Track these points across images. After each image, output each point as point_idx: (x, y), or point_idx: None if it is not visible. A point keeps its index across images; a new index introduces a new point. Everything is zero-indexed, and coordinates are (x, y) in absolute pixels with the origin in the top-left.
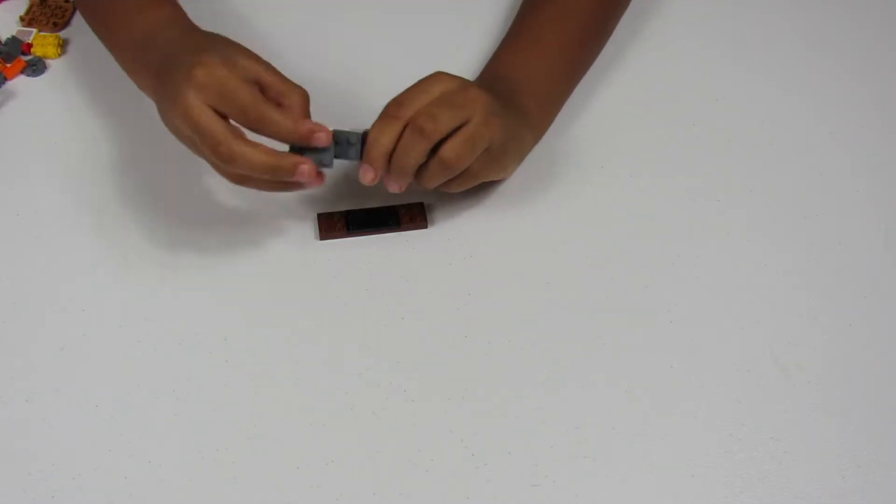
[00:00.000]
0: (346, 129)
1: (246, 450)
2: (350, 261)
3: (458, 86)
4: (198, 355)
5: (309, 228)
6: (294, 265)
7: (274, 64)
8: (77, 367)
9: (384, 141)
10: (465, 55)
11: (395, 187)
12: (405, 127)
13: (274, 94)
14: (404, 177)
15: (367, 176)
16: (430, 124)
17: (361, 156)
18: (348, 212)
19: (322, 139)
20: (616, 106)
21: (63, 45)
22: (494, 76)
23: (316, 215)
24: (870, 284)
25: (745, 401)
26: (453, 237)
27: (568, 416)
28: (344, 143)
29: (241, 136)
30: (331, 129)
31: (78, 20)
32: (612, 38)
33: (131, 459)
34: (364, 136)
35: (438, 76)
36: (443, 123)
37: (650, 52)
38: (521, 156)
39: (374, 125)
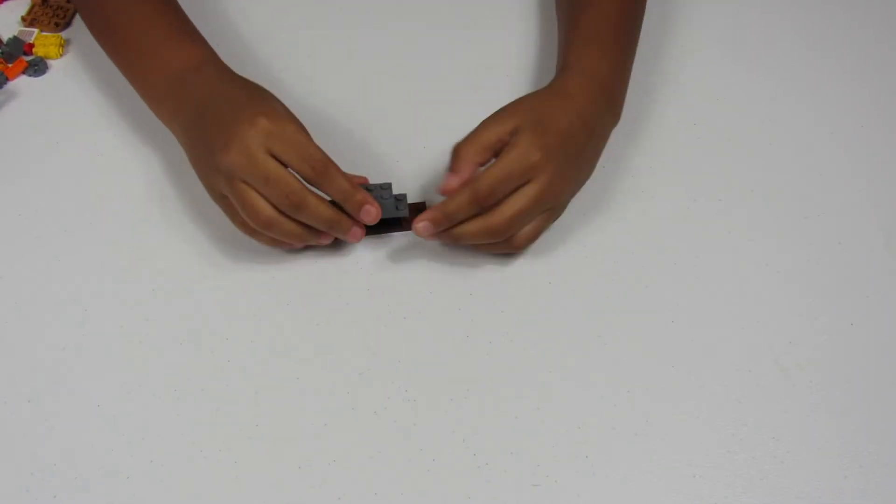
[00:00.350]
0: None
1: (247, 450)
2: (351, 261)
3: (547, 183)
4: (199, 355)
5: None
6: (295, 265)
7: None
8: (78, 367)
9: (460, 219)
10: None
11: (429, 230)
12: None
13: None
14: (446, 224)
15: (426, 232)
16: (511, 236)
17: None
18: None
19: (371, 214)
20: None
21: (64, 46)
22: (579, 68)
23: None
24: (870, 284)
25: (746, 401)
26: None
27: (569, 416)
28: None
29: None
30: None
31: (79, 21)
32: None
33: (133, 459)
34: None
35: (532, 159)
36: (502, 193)
37: (650, 53)
38: (594, 166)
39: (459, 201)
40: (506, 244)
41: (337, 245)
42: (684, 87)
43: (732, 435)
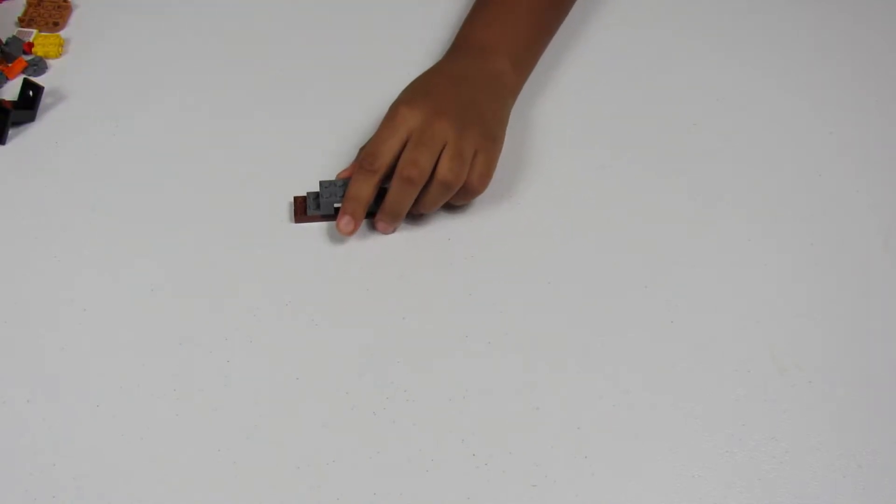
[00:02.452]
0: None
1: (246, 450)
2: (350, 261)
3: (421, 122)
4: (198, 355)
5: (316, 232)
6: (294, 265)
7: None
8: (78, 367)
9: (364, 195)
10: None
11: (389, 229)
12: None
13: None
14: (397, 220)
15: (349, 228)
16: (415, 171)
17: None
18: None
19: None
20: (616, 106)
21: (64, 45)
22: (468, 42)
23: (292, 198)
24: (869, 284)
25: (745, 401)
26: (453, 237)
27: (568, 416)
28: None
29: None
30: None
31: (77, 19)
32: (611, 39)
33: (132, 460)
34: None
35: (399, 113)
36: (425, 166)
37: (650, 53)
38: (503, 126)
39: (353, 179)
40: (467, 193)
41: (335, 245)
42: (684, 87)
43: (732, 435)
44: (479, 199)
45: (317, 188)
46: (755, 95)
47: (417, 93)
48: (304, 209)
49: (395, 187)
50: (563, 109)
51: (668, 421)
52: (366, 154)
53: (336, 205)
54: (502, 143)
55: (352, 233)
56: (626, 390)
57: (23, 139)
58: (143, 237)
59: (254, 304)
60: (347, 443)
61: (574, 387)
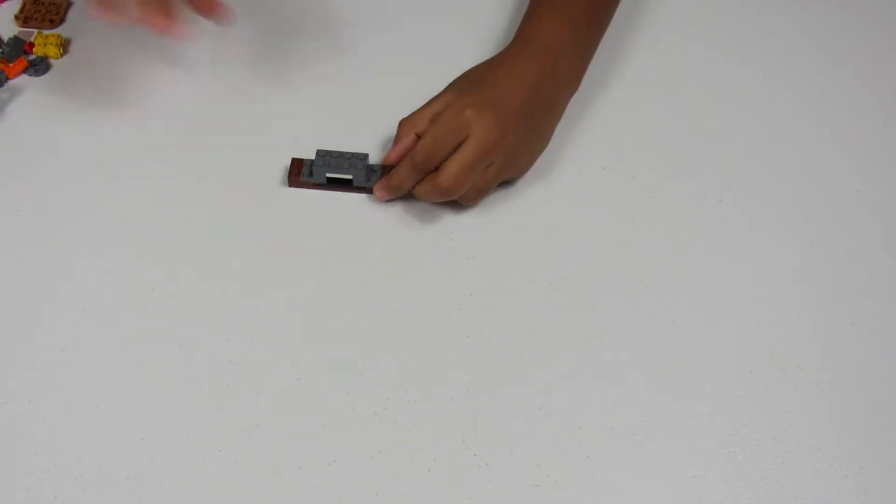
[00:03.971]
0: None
1: (247, 450)
2: (350, 261)
3: (484, 135)
4: (199, 355)
5: (316, 232)
6: (295, 267)
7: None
8: (78, 367)
9: (405, 187)
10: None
11: (384, 197)
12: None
13: None
14: (396, 193)
15: (385, 198)
16: (456, 190)
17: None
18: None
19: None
20: (617, 106)
21: (65, 45)
22: (534, 39)
23: (290, 159)
24: (870, 284)
25: (746, 401)
26: (454, 237)
27: (569, 416)
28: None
29: None
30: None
31: (75, 17)
32: (611, 39)
33: (133, 460)
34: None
35: (465, 117)
36: (464, 184)
37: (651, 53)
38: (547, 142)
39: (401, 168)
40: (461, 198)
41: (336, 245)
42: (683, 87)
43: (732, 435)
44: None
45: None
46: (755, 95)
47: (486, 96)
48: (299, 172)
49: (427, 190)
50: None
51: (669, 421)
52: (424, 155)
53: (328, 174)
54: (540, 153)
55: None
56: (627, 390)
57: (23, 138)
58: (145, 237)
59: (254, 305)
60: (349, 443)
61: (575, 387)
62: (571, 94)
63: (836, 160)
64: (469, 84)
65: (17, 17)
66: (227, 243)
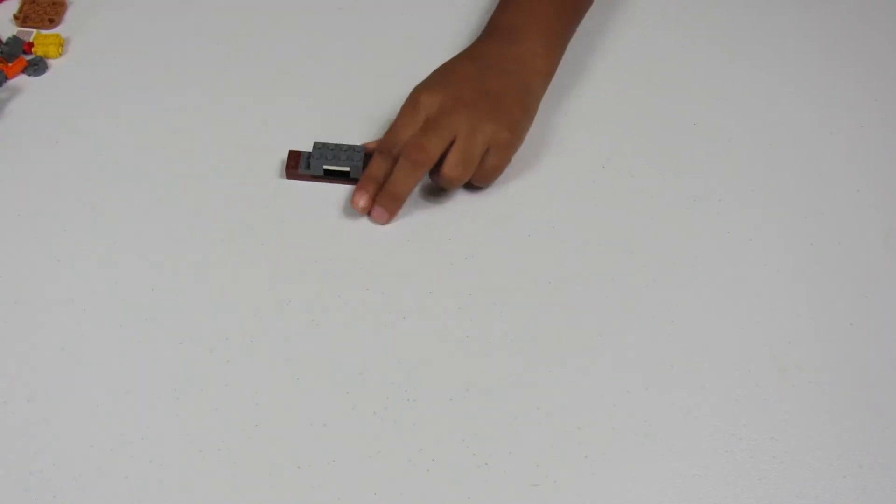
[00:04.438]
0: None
1: (247, 450)
2: (350, 261)
3: (438, 108)
4: (198, 355)
5: (317, 231)
6: (295, 266)
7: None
8: (78, 367)
9: (379, 175)
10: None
11: (384, 217)
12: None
13: None
14: (397, 203)
15: (361, 202)
16: (423, 155)
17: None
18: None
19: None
20: (617, 106)
21: (64, 45)
22: (498, 26)
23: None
24: (870, 284)
25: (745, 401)
26: (453, 237)
27: (569, 416)
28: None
29: None
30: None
31: (73, 17)
32: (611, 38)
33: (132, 459)
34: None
35: (419, 100)
36: (434, 151)
37: (651, 52)
38: (530, 117)
39: (372, 161)
40: (440, 177)
41: (336, 245)
42: (684, 87)
43: (732, 435)
44: (479, 199)
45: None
46: (756, 95)
47: (438, 80)
48: (296, 164)
49: (400, 168)
50: (562, 110)
51: (669, 421)
52: (385, 139)
53: (326, 167)
54: (524, 131)
55: (364, 210)
56: (626, 390)
57: (22, 138)
58: (144, 236)
59: (254, 305)
60: (348, 443)
61: (574, 386)
62: (541, 70)
63: (837, 160)
64: (427, 78)
65: (15, 17)
66: (226, 241)
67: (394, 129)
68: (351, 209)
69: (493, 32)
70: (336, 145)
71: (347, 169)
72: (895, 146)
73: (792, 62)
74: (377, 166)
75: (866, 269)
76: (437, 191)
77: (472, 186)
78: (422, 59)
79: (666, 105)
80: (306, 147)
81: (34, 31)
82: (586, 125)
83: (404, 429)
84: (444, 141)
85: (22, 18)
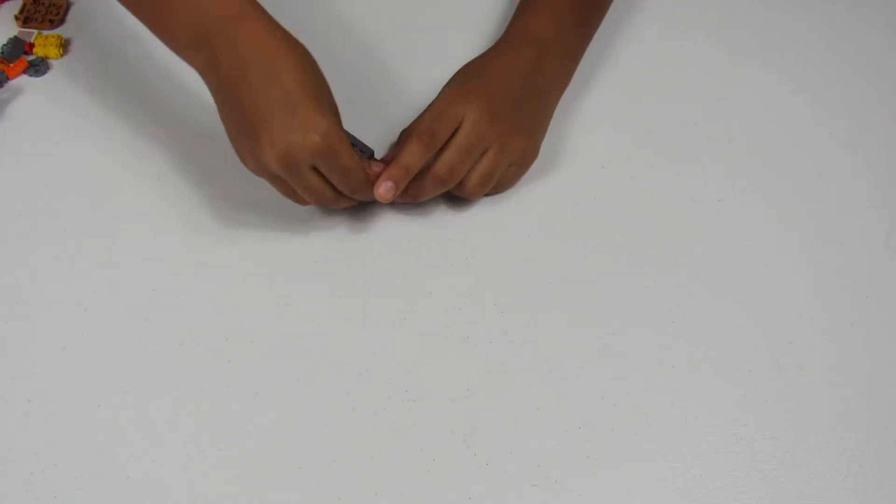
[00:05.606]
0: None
1: (247, 450)
2: (350, 261)
3: (474, 121)
4: (198, 355)
5: (316, 231)
6: (294, 266)
7: None
8: (78, 367)
9: (414, 166)
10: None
11: (388, 195)
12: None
13: None
14: (410, 200)
15: (389, 194)
16: (450, 177)
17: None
18: None
19: (389, 193)
20: (617, 106)
21: (65, 46)
22: (526, 30)
23: None
24: (870, 284)
25: (746, 401)
26: (453, 237)
27: (569, 416)
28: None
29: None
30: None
31: (74, 17)
32: (612, 38)
33: (133, 459)
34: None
35: (456, 105)
36: (460, 173)
37: (651, 53)
38: (545, 132)
39: (407, 148)
40: (459, 189)
41: (336, 245)
42: (684, 87)
43: (732, 435)
44: (480, 200)
45: None
46: (756, 95)
47: (475, 85)
48: None
49: (427, 184)
50: (563, 111)
51: (669, 421)
52: (424, 129)
53: None
54: (540, 145)
55: (390, 200)
56: (627, 390)
57: (22, 138)
58: (145, 237)
59: (254, 305)
60: (348, 443)
61: (575, 387)
62: (562, 87)
63: (837, 160)
64: (461, 78)
65: (17, 18)
66: (226, 241)
67: (436, 123)
68: (350, 211)
69: (521, 38)
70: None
71: None
72: (895, 146)
73: (792, 62)
74: (415, 159)
75: (866, 269)
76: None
77: (457, 200)
78: (428, 64)
79: (666, 105)
80: None
81: (35, 31)
82: (586, 126)
83: (405, 429)
84: (474, 160)
85: (23, 19)
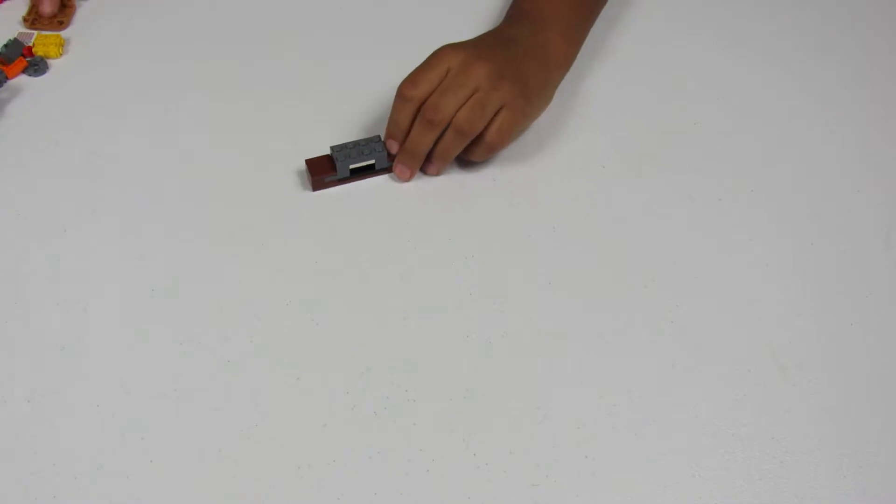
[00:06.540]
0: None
1: (247, 450)
2: (351, 260)
3: (461, 62)
4: (198, 355)
5: (315, 231)
6: (294, 265)
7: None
8: (78, 366)
9: (402, 122)
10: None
11: (406, 173)
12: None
13: None
14: (415, 160)
15: (405, 174)
16: (437, 115)
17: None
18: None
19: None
20: (617, 105)
21: (64, 45)
22: (521, 13)
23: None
24: (870, 284)
25: (745, 401)
26: (454, 236)
27: (569, 416)
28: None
29: None
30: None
31: (80, 19)
32: (611, 38)
33: (132, 459)
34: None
35: (444, 52)
36: (447, 111)
37: (651, 52)
38: (547, 97)
39: (393, 108)
40: (483, 147)
41: (335, 245)
42: (684, 86)
43: (732, 435)
44: (479, 199)
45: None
46: (755, 95)
47: (465, 42)
48: (320, 172)
49: (416, 127)
50: (563, 109)
51: (669, 421)
52: (405, 81)
53: (352, 165)
54: (539, 107)
55: (409, 178)
56: (626, 390)
57: (22, 138)
58: (144, 237)
59: (254, 304)
60: (348, 442)
61: (574, 386)
62: (562, 60)
63: (837, 159)
64: (462, 43)
65: (24, 20)
66: (226, 241)
67: (415, 74)
68: (350, 208)
69: (518, 19)
70: (353, 142)
71: (373, 161)
72: (895, 146)
73: (792, 61)
74: (400, 114)
75: (866, 269)
76: (436, 190)
77: (471, 163)
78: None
79: (666, 105)
80: (314, 152)
81: (34, 33)
82: (586, 125)
83: (404, 429)
84: (460, 98)
85: (31, 21)
